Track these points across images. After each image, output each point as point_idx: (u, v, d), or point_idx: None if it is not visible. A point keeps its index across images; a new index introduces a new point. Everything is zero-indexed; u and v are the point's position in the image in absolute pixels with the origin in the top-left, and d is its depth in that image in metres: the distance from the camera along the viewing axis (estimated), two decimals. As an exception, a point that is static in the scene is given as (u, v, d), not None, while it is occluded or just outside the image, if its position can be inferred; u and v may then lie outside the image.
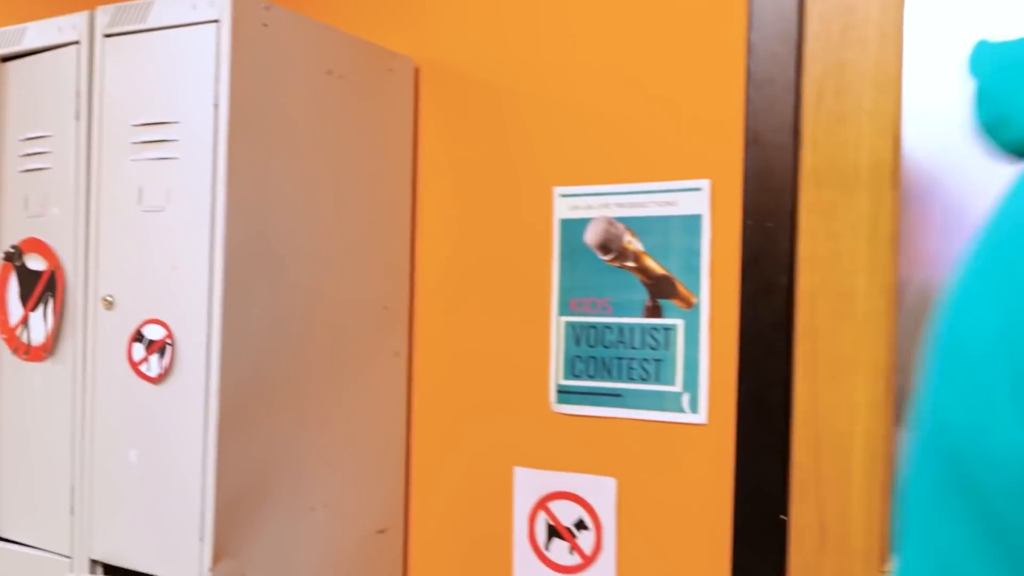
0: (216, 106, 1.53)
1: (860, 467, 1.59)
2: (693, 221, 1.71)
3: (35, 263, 1.75)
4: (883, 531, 1.56)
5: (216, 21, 1.53)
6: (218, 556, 1.57)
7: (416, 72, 1.97)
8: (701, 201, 1.69)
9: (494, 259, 1.91)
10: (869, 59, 1.56)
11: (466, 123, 1.94)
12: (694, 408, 1.71)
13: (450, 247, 1.96)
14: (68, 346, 1.71)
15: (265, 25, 1.59)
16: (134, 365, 1.61)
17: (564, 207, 1.83)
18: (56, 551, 1.72)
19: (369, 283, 1.87)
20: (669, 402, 1.74)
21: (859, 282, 1.58)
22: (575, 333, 1.82)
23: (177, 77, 1.57)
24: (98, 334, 1.66)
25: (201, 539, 1.56)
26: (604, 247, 1.79)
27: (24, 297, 1.76)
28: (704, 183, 1.69)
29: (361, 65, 1.81)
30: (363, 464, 1.88)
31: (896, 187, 1.55)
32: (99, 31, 1.65)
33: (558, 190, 1.83)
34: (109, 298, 1.64)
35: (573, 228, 1.82)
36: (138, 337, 1.61)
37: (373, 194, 1.88)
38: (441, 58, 1.96)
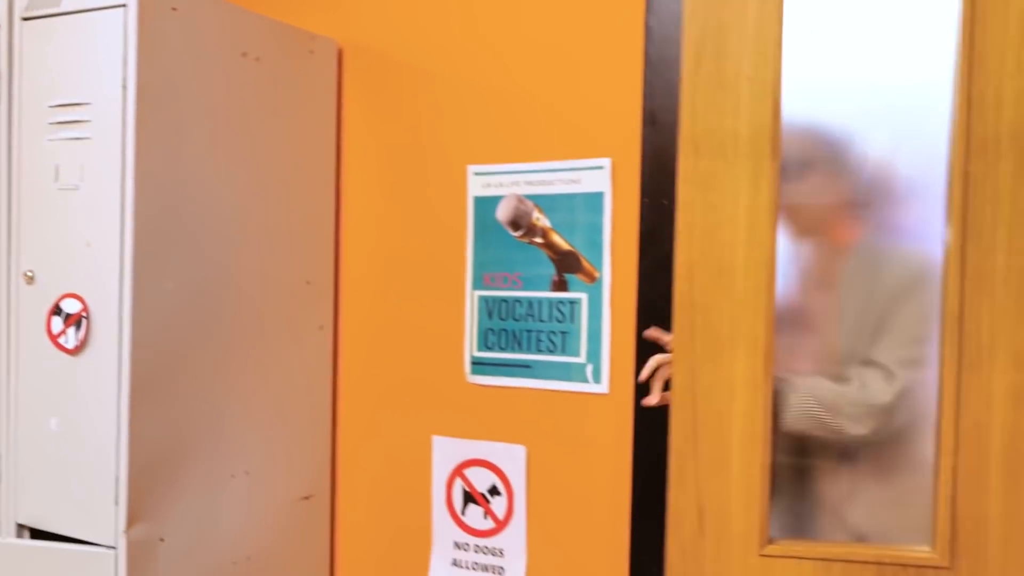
0: (125, 87, 1.59)
1: (738, 449, 1.52)
2: (596, 198, 1.76)
3: (-37, 239, 1.81)
4: (762, 514, 1.51)
5: (123, 5, 1.58)
6: (133, 519, 1.64)
7: (340, 53, 2.02)
8: (603, 179, 1.75)
9: (415, 235, 1.97)
10: (749, 21, 1.51)
11: (389, 103, 1.99)
12: (597, 379, 1.78)
13: (374, 224, 2.02)
14: (-7, 319, 1.77)
15: (174, 9, 1.64)
16: (53, 337, 1.68)
17: (477, 185, 1.88)
18: (-15, 515, 1.80)
19: (291, 259, 1.93)
20: (574, 373, 1.80)
21: (738, 256, 1.52)
22: (488, 307, 1.88)
23: (89, 60, 1.63)
24: (19, 308, 1.72)
25: (116, 503, 1.63)
26: (514, 223, 1.84)
27: (-47, 272, 1.83)
28: (606, 161, 1.74)
29: (279, 47, 1.86)
30: (288, 433, 1.94)
31: (776, 156, 1.50)
32: (17, 14, 1.70)
33: (472, 168, 1.89)
34: (30, 273, 1.71)
35: (486, 205, 1.87)
36: (57, 311, 1.68)
37: (295, 173, 1.93)
38: (365, 40, 2.01)
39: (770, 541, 1.51)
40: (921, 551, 1.46)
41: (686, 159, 1.53)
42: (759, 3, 1.51)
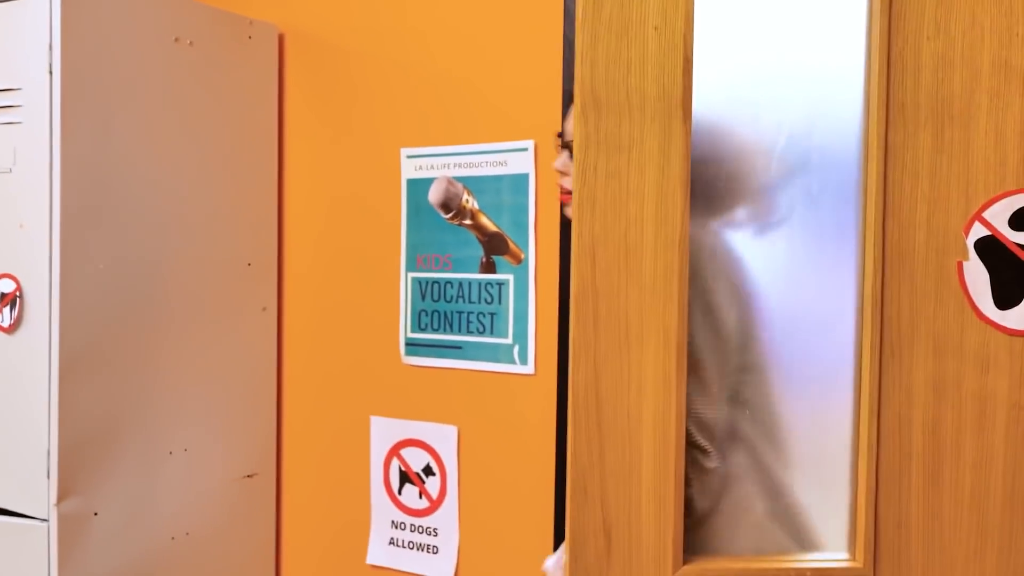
0: (51, 73, 1.63)
1: (650, 457, 1.36)
2: (521, 180, 1.78)
3: (-90, 222, 1.87)
4: (676, 531, 1.35)
5: (48, -8, 1.62)
6: (64, 493, 1.69)
7: (281, 39, 2.05)
8: (527, 161, 1.76)
9: (353, 218, 2.00)
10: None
11: (329, 88, 2.02)
12: (523, 359, 1.79)
13: (316, 206, 2.05)
14: (-62, 299, 1.83)
15: (101, -5, 1.68)
16: (-10, 316, 1.73)
17: (410, 167, 1.91)
18: (-68, 489, 1.86)
19: (232, 241, 1.97)
20: (502, 354, 1.82)
21: (646, 233, 1.36)
22: (421, 288, 1.91)
23: (17, 45, 1.67)
24: (-40, 287, 1.78)
25: (48, 476, 1.68)
26: (445, 206, 1.86)
27: (-97, 253, 1.89)
28: (529, 143, 1.76)
29: (214, 32, 1.89)
30: (230, 412, 1.98)
31: (687, 118, 1.34)
32: (-45, 2, 1.75)
33: (405, 151, 1.91)
34: (-31, 254, 1.76)
35: (418, 187, 1.90)
36: (-7, 290, 1.73)
37: (236, 156, 1.97)
38: (306, 26, 2.04)
39: (685, 561, 1.35)
40: (842, 558, 1.37)
41: (585, 118, 1.33)
42: None
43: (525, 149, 1.76)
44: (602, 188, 1.35)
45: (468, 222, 1.84)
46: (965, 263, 1.32)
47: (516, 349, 1.80)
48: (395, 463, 1.96)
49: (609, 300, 1.35)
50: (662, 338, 1.33)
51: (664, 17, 1.32)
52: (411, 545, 1.94)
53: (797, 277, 1.44)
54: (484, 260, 1.83)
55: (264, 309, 2.04)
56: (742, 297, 1.42)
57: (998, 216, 1.33)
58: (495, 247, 1.81)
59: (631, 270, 1.36)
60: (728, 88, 1.39)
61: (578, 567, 1.36)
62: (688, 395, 1.35)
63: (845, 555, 1.36)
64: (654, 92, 1.32)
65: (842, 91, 1.37)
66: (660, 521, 1.33)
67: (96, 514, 1.74)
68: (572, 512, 1.33)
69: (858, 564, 1.34)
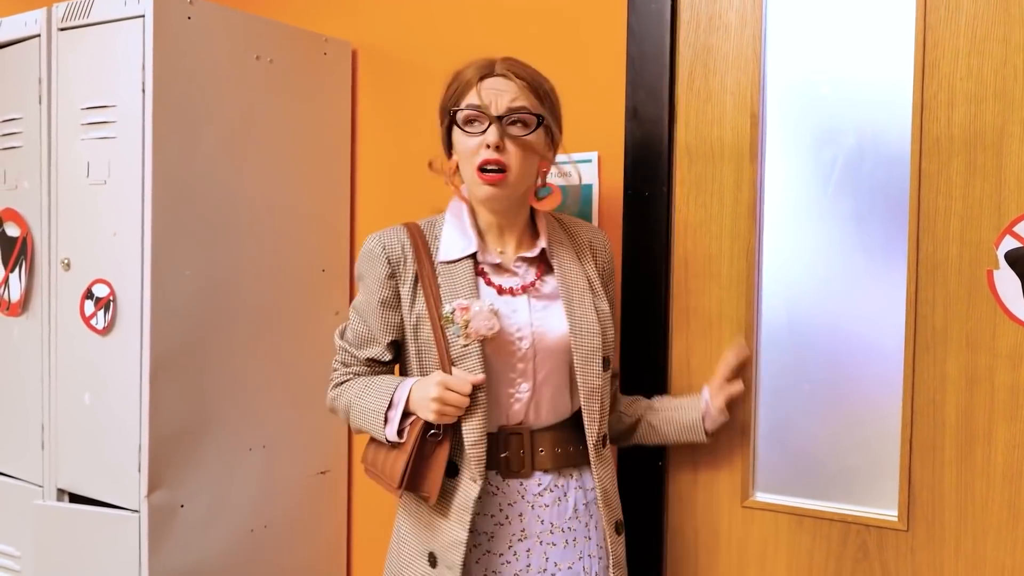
0: (143, 91, 1.74)
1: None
2: (586, 191, 1.84)
3: (12, 230, 2.00)
4: (745, 471, 1.70)
5: (141, 16, 1.73)
6: (154, 486, 1.79)
7: (354, 54, 2.14)
8: (592, 172, 1.83)
9: (423, 226, 2.08)
10: (731, 43, 1.67)
11: (399, 100, 2.10)
12: (587, 363, 1.85)
13: (385, 215, 2.13)
14: (37, 303, 1.95)
15: (189, 18, 1.78)
16: (86, 319, 1.85)
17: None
18: (30, 480, 1.98)
19: (308, 249, 2.07)
20: (566, 358, 1.88)
21: (724, 246, 1.70)
22: (487, 294, 1.98)
23: (113, 66, 1.78)
24: (59, 292, 1.90)
25: (139, 471, 1.79)
26: (511, 215, 1.93)
27: (4, 260, 2.02)
28: (593, 155, 1.82)
29: (292, 49, 1.99)
30: (305, 411, 2.08)
31: (754, 159, 1.66)
32: (55, 25, 1.87)
33: (472, 162, 1.98)
34: (66, 260, 1.88)
35: (486, 197, 1.97)
36: (89, 295, 1.84)
37: (311, 166, 2.06)
38: (377, 41, 2.13)
39: (751, 495, 1.72)
40: (883, 514, 1.60)
41: (681, 163, 1.75)
42: (740, 28, 1.64)
43: (589, 160, 1.82)
44: (692, 215, 1.75)
45: (533, 230, 1.90)
46: (996, 271, 1.48)
47: (580, 353, 1.86)
48: (462, 462, 2.03)
49: (698, 296, 1.75)
50: (735, 325, 1.70)
51: (738, 84, 1.69)
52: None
53: (855, 282, 1.61)
54: (549, 267, 1.89)
55: (337, 313, 2.13)
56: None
57: (1028, 229, 1.46)
58: (559, 254, 1.87)
59: (712, 273, 1.73)
60: (795, 132, 1.66)
61: (674, 490, 1.78)
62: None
63: (886, 511, 1.60)
64: (730, 141, 1.70)
65: (888, 127, 1.58)
66: (732, 462, 1.72)
67: (182, 506, 1.84)
68: (670, 450, 1.76)
69: (896, 521, 1.59)
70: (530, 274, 1.51)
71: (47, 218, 1.92)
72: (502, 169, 1.42)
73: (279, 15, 2.11)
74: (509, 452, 1.47)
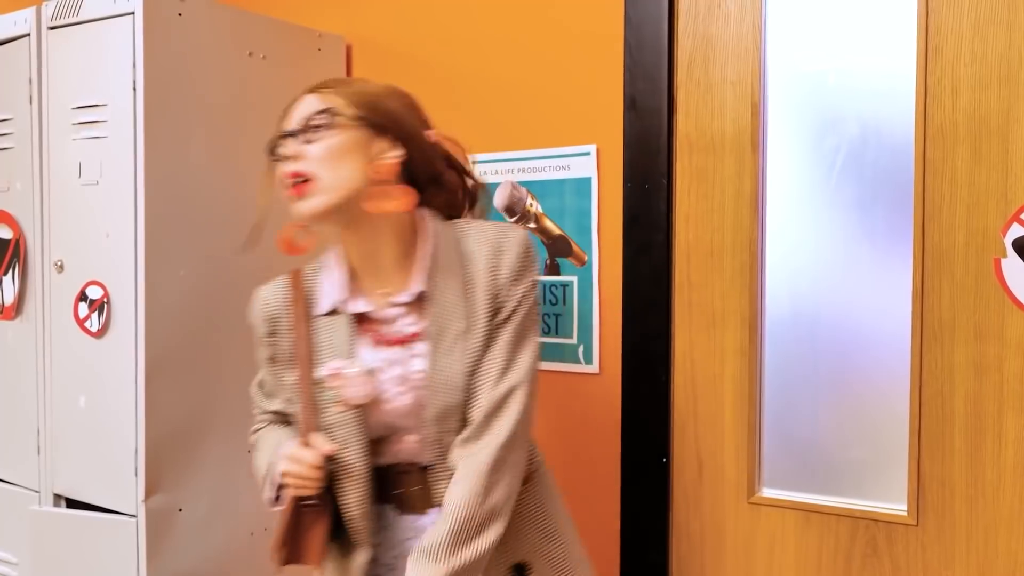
0: (135, 89, 1.71)
1: (731, 408, 1.70)
2: (584, 183, 1.82)
3: (4, 232, 1.97)
4: (751, 467, 1.68)
5: (131, 13, 1.70)
6: (151, 490, 1.77)
7: (348, 50, 2.12)
8: (590, 165, 1.80)
9: (421, 223, 2.05)
10: (731, 32, 1.65)
11: (395, 96, 2.08)
12: (588, 359, 1.83)
13: (383, 212, 2.11)
14: (30, 306, 1.93)
15: (180, 15, 1.75)
16: (80, 321, 1.82)
17: (476, 173, 1.95)
18: (27, 486, 1.96)
19: (304, 247, 2.04)
20: (568, 353, 1.86)
21: (726, 239, 1.67)
22: (487, 290, 1.95)
23: (104, 64, 1.76)
24: (52, 294, 1.87)
25: (136, 475, 1.76)
26: (510, 209, 1.91)
27: (-3, 263, 2.00)
28: (592, 148, 1.80)
29: (286, 46, 1.96)
30: (304, 412, 2.05)
31: (756, 150, 1.63)
32: (44, 24, 1.84)
33: (470, 157, 1.95)
34: (59, 262, 1.85)
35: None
36: (83, 297, 1.82)
37: (307, 164, 2.03)
38: (372, 36, 2.10)
39: (758, 491, 1.70)
40: (892, 508, 1.58)
41: (681, 155, 1.72)
42: (740, 16, 1.62)
43: (587, 153, 1.80)
44: (694, 207, 1.72)
45: (532, 225, 1.88)
46: (1003, 260, 1.46)
47: (581, 349, 1.84)
48: (463, 461, 2.00)
49: (700, 290, 1.72)
50: (739, 318, 1.69)
51: (739, 75, 1.66)
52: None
53: (860, 273, 1.59)
54: (548, 262, 1.87)
55: (335, 312, 2.10)
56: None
57: (1036, 217, 1.43)
58: (559, 249, 1.85)
59: (715, 267, 1.71)
60: (796, 121, 1.63)
61: (678, 487, 1.75)
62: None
63: (894, 505, 1.58)
64: (731, 131, 1.67)
65: (891, 115, 1.55)
66: (738, 457, 1.70)
67: (180, 510, 1.82)
68: (675, 446, 1.75)
69: (905, 516, 1.56)
70: (408, 319, 1.31)
71: (39, 220, 1.89)
72: (306, 179, 1.29)
73: (272, 10, 2.08)
74: (403, 489, 1.34)
